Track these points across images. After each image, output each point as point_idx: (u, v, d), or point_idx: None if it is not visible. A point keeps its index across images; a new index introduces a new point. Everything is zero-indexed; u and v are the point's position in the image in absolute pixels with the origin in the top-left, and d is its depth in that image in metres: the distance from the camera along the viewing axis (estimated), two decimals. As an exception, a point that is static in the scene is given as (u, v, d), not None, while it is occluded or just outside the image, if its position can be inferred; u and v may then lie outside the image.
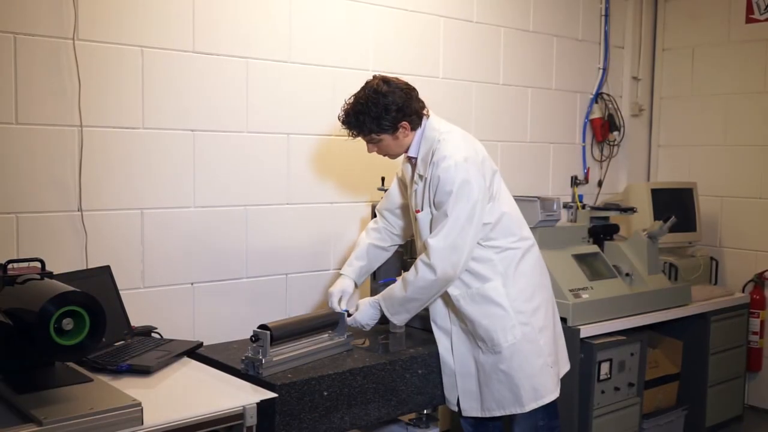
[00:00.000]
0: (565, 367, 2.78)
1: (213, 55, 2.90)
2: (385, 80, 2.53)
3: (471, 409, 2.64)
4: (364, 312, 2.66)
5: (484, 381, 2.59)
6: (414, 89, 2.58)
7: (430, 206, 2.55)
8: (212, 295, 2.96)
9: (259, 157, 3.06)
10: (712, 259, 4.35)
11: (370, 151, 2.65)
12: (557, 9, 4.20)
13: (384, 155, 2.67)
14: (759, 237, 4.33)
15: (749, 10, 4.35)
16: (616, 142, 4.56)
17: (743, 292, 4.25)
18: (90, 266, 2.60)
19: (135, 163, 2.74)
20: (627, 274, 3.49)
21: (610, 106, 4.52)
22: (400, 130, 2.54)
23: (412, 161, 2.66)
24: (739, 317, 4.03)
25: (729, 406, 4.03)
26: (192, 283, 2.91)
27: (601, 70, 4.48)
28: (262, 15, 3.03)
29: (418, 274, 2.49)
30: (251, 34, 3.00)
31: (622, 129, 4.56)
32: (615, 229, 3.71)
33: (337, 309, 2.69)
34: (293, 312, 3.14)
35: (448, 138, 2.54)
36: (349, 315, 2.68)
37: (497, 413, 2.60)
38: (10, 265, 2.02)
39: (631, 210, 3.88)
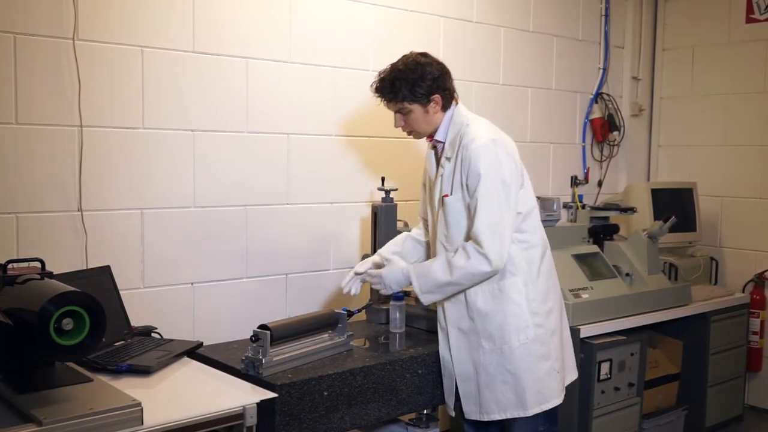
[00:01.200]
0: (573, 375, 2.72)
1: (213, 55, 2.90)
2: (423, 54, 2.55)
3: (471, 412, 2.59)
4: (393, 274, 2.56)
5: (486, 383, 2.52)
6: (449, 70, 2.58)
7: (461, 189, 2.48)
8: (212, 295, 2.96)
9: (259, 157, 3.06)
10: (712, 259, 4.35)
11: (397, 124, 2.59)
12: (557, 9, 4.20)
13: (409, 132, 2.62)
14: (759, 237, 4.33)
15: (749, 10, 4.35)
16: (616, 142, 4.56)
17: (743, 292, 4.25)
18: (90, 266, 2.60)
19: (135, 163, 2.73)
20: (627, 274, 3.49)
21: (610, 106, 4.52)
22: (432, 103, 2.51)
23: (438, 147, 2.62)
24: (739, 317, 4.03)
25: (729, 406, 4.03)
26: (192, 283, 2.91)
27: (601, 70, 4.48)
28: (262, 15, 3.03)
29: (470, 259, 2.41)
30: (251, 34, 3.00)
31: (622, 129, 4.56)
32: (615, 229, 3.71)
33: (360, 269, 2.66)
34: (293, 312, 3.14)
35: (477, 122, 2.54)
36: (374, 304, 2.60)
37: (497, 417, 2.53)
38: (10, 265, 2.02)
39: (631, 210, 3.88)
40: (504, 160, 2.45)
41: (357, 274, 2.67)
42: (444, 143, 2.57)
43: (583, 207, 3.81)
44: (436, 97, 2.52)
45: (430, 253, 2.74)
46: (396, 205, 3.07)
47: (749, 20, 4.36)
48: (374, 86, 2.57)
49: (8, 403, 1.83)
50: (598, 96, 4.48)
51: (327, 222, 3.29)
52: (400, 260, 2.61)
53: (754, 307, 4.18)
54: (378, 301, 3.06)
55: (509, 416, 2.52)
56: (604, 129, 4.48)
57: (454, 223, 2.52)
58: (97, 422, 1.76)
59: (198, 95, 2.87)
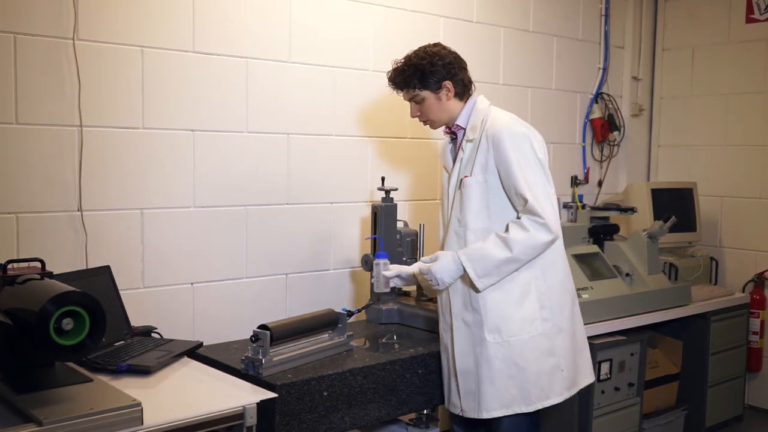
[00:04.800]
0: (588, 378, 2.65)
1: (213, 55, 2.90)
2: (435, 44, 2.58)
3: (470, 409, 2.52)
4: (446, 266, 2.46)
5: (489, 378, 2.46)
6: (463, 61, 2.59)
7: (483, 170, 2.46)
8: (212, 295, 2.96)
9: (259, 157, 3.06)
10: (712, 259, 4.35)
11: (413, 114, 2.60)
12: (557, 9, 4.21)
13: (425, 121, 2.61)
14: (759, 237, 4.33)
15: (749, 10, 4.35)
16: (616, 142, 4.56)
17: (743, 292, 4.25)
18: (90, 266, 2.60)
19: (135, 163, 2.74)
20: (627, 274, 3.49)
21: (610, 106, 4.53)
22: (443, 90, 2.52)
23: (458, 135, 2.59)
24: (739, 317, 4.03)
25: (729, 406, 4.03)
26: (192, 283, 2.91)
27: (601, 70, 4.48)
28: (262, 15, 3.03)
29: (528, 231, 2.36)
30: (251, 34, 3.00)
31: (622, 129, 4.56)
32: (615, 229, 3.71)
33: (387, 273, 2.64)
34: (293, 312, 3.14)
35: (502, 111, 2.55)
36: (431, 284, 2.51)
37: (497, 413, 2.48)
38: (10, 265, 2.02)
39: (631, 210, 3.88)
40: (534, 140, 2.46)
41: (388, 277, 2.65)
42: (465, 128, 2.56)
43: (583, 207, 3.81)
44: (447, 83, 2.51)
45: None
46: (396, 205, 3.07)
47: (749, 20, 4.36)
48: (387, 77, 2.60)
49: (8, 403, 1.83)
50: (598, 96, 4.48)
51: (327, 222, 3.30)
52: (446, 252, 2.51)
53: (754, 307, 4.18)
54: (378, 301, 3.07)
55: (511, 412, 2.47)
56: (604, 129, 4.48)
57: (471, 205, 2.48)
58: (97, 422, 1.76)
59: (198, 95, 2.87)
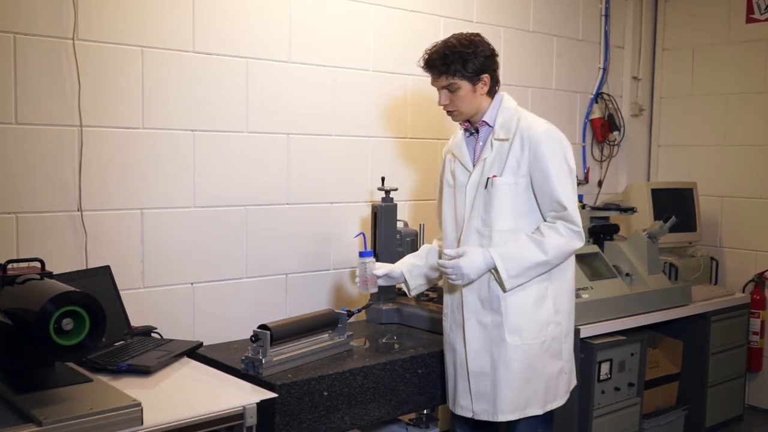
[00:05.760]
0: (575, 380, 2.67)
1: (213, 55, 2.90)
2: (475, 33, 2.50)
3: (483, 412, 2.48)
4: (474, 262, 2.39)
5: (506, 380, 2.42)
6: (498, 56, 2.54)
7: (515, 172, 2.42)
8: (212, 295, 2.96)
9: (259, 157, 3.06)
10: (712, 259, 4.35)
11: (441, 102, 2.48)
12: (557, 9, 4.21)
13: (452, 112, 2.50)
14: (759, 237, 4.33)
15: (749, 10, 4.35)
16: (616, 142, 4.56)
17: (743, 292, 4.25)
18: (90, 266, 2.60)
19: (135, 163, 2.73)
20: (627, 274, 3.49)
21: (610, 106, 4.52)
22: (481, 83, 2.45)
23: (480, 131, 2.52)
24: (739, 317, 4.02)
25: (729, 406, 4.03)
26: (192, 283, 2.91)
27: (601, 70, 4.49)
28: (262, 15, 3.03)
29: (564, 237, 2.37)
30: (251, 34, 3.00)
31: (622, 129, 4.56)
32: (615, 229, 3.71)
33: (378, 272, 2.61)
34: (293, 312, 3.14)
35: (533, 114, 2.53)
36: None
37: (511, 417, 2.44)
38: (10, 265, 2.02)
39: (631, 210, 3.88)
40: (568, 148, 2.47)
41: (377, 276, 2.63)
42: (492, 126, 2.49)
43: (584, 207, 3.80)
44: (486, 77, 2.45)
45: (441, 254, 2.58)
46: (396, 205, 3.07)
47: (749, 20, 4.36)
48: (424, 60, 2.49)
49: (8, 403, 1.83)
50: (598, 96, 4.48)
51: (327, 222, 3.29)
52: (475, 248, 2.42)
53: (754, 307, 4.18)
54: (378, 301, 3.07)
55: (525, 415, 2.45)
56: (604, 129, 4.48)
57: (500, 205, 2.43)
58: (97, 422, 1.76)
59: (198, 95, 2.87)
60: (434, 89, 2.51)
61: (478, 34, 2.50)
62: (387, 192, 3.07)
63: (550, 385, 2.48)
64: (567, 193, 2.40)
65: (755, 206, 4.36)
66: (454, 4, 3.69)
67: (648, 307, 3.46)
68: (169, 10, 2.78)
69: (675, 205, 4.09)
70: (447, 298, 2.60)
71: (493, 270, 2.40)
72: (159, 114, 2.78)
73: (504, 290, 2.41)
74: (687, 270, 4.08)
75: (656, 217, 3.92)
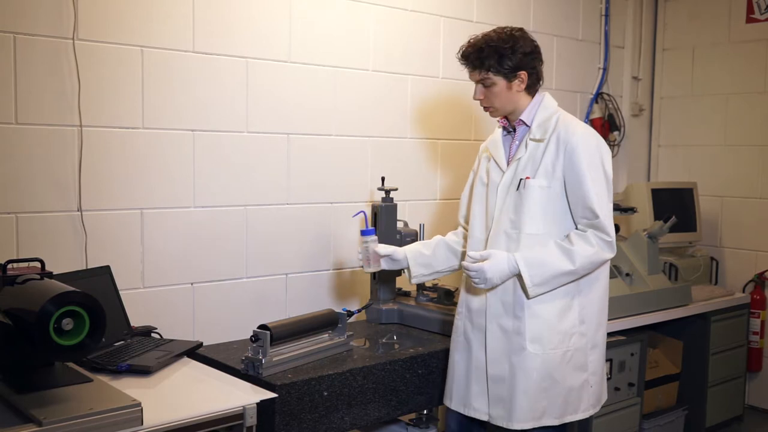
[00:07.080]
0: (606, 394, 2.61)
1: (213, 55, 2.90)
2: (519, 29, 2.44)
3: (498, 417, 2.42)
4: (499, 267, 2.32)
5: (524, 389, 2.36)
6: (541, 53, 2.46)
7: (550, 175, 2.35)
8: (212, 295, 2.96)
9: (259, 157, 3.06)
10: (712, 259, 4.35)
11: (476, 96, 2.45)
12: (557, 9, 4.21)
13: (487, 108, 2.46)
14: (759, 237, 4.33)
15: (749, 10, 4.35)
16: (616, 142, 4.56)
17: (743, 292, 4.25)
18: (90, 266, 2.60)
19: (135, 163, 2.73)
20: (627, 274, 3.49)
21: (610, 106, 4.53)
22: (517, 80, 2.39)
23: (518, 129, 2.47)
24: (739, 317, 4.03)
25: (729, 406, 4.03)
26: (192, 283, 2.91)
27: (601, 70, 4.49)
28: (262, 15, 3.03)
29: (594, 247, 2.31)
30: (251, 34, 3.00)
31: (622, 129, 4.56)
32: (615, 229, 3.70)
33: (380, 251, 2.57)
34: (293, 312, 3.14)
35: (572, 116, 2.46)
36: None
37: (527, 425, 2.37)
38: (10, 265, 2.02)
39: (631, 210, 3.88)
40: (606, 155, 2.40)
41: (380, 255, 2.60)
42: (530, 126, 2.43)
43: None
44: (523, 74, 2.39)
45: (463, 256, 2.55)
46: (396, 205, 3.07)
47: (749, 20, 4.36)
48: (461, 52, 2.45)
49: (8, 403, 1.83)
50: (598, 96, 4.48)
51: (327, 222, 3.29)
52: (501, 252, 2.36)
53: (754, 307, 4.18)
54: (378, 301, 3.07)
55: (540, 425, 2.39)
56: (604, 129, 4.48)
57: (530, 208, 2.36)
58: (97, 422, 1.76)
59: (198, 95, 2.87)
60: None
61: (521, 29, 2.43)
62: (387, 192, 3.07)
63: (570, 397, 2.40)
64: (601, 200, 2.33)
65: (755, 206, 4.36)
66: (454, 4, 3.69)
67: (648, 307, 3.47)
68: (169, 10, 2.78)
69: (675, 205, 4.09)
70: (467, 298, 2.52)
71: (517, 276, 2.35)
72: (159, 114, 2.78)
73: (528, 297, 2.35)
74: (687, 270, 4.08)
75: (656, 217, 3.92)
